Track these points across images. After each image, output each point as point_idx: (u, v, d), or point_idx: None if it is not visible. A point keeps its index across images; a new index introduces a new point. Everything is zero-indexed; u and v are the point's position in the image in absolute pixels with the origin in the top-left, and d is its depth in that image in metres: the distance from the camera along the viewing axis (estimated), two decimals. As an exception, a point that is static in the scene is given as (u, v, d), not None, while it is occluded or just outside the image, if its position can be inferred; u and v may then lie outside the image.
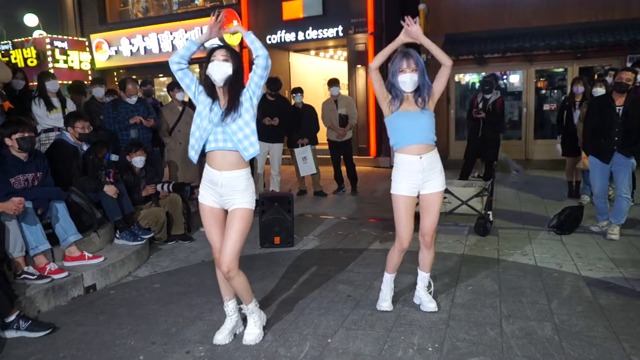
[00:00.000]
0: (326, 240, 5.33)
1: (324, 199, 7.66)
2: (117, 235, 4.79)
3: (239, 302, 3.10)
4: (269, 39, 12.63)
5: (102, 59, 15.25)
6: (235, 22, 2.89)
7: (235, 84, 2.88)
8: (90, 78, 14.41)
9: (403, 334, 3.07)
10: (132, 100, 6.02)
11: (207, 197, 2.97)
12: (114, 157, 5.65)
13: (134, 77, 11.29)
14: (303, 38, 12.24)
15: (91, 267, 4.09)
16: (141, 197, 5.20)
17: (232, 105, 2.84)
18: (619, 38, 9.59)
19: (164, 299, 3.79)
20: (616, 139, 4.81)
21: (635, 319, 3.17)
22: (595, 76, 10.00)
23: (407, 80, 3.12)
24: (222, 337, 3.03)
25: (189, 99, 7.13)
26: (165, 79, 15.12)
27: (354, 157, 8.02)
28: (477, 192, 5.19)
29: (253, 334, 3.02)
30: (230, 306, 3.09)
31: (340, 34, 11.80)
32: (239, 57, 2.96)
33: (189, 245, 5.26)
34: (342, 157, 7.91)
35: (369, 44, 11.49)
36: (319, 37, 12.05)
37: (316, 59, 14.58)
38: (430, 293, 3.47)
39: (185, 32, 13.67)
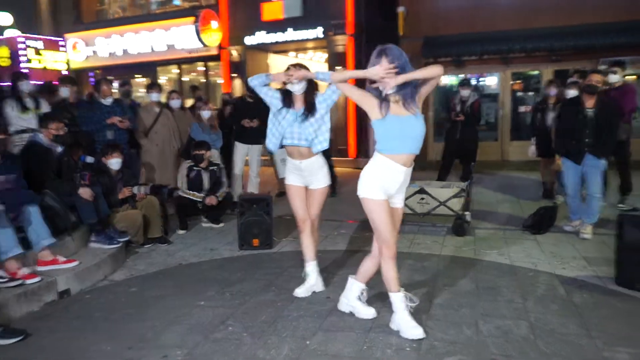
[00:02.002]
0: (305, 241, 5.31)
1: (304, 200, 7.64)
2: (93, 239, 4.70)
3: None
4: (248, 40, 12.58)
5: (79, 59, 14.99)
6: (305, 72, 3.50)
7: (309, 92, 3.63)
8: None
9: (381, 334, 3.08)
10: (108, 101, 5.94)
11: (294, 179, 3.78)
12: (90, 159, 5.56)
13: (109, 77, 11.15)
14: (283, 39, 12.22)
15: (65, 272, 4.01)
16: (117, 199, 5.12)
17: (309, 109, 3.62)
18: (591, 42, 9.82)
19: (141, 302, 3.74)
20: (587, 140, 4.91)
21: (607, 316, 3.24)
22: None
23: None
24: (302, 290, 3.72)
25: (166, 101, 7.08)
26: (143, 79, 14.95)
27: (333, 158, 8.03)
28: (455, 193, 5.25)
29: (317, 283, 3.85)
30: (311, 266, 3.78)
31: (320, 35, 11.82)
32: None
33: (166, 248, 5.20)
34: (321, 158, 7.89)
35: (349, 46, 11.53)
36: (299, 38, 12.04)
37: (296, 61, 14.56)
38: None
39: (164, 32, 13.53)
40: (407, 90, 2.92)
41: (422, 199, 5.35)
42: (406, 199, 5.37)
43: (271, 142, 3.75)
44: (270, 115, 3.76)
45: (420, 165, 10.83)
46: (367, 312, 3.32)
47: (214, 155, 6.48)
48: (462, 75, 11.42)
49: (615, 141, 5.11)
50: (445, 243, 5.07)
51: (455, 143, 7.51)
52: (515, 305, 3.45)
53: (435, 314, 3.36)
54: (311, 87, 3.65)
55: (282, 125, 3.65)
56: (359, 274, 3.33)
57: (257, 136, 7.21)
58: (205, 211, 5.96)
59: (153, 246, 5.24)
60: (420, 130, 2.95)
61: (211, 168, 5.94)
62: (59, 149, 4.84)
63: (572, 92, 6.22)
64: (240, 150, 7.20)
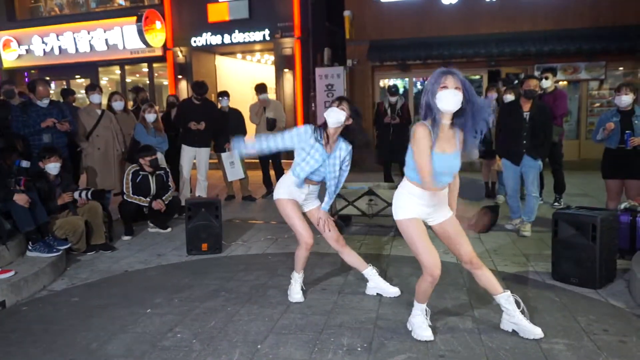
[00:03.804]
0: (255, 245, 5.28)
1: (253, 203, 7.60)
2: (30, 247, 4.47)
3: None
4: (194, 42, 12.38)
5: (11, 58, 14.21)
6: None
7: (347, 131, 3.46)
8: None
9: (333, 335, 3.10)
10: (44, 102, 5.66)
11: (288, 193, 3.57)
12: (25, 164, 5.28)
13: (46, 78, 10.63)
14: (229, 41, 12.10)
15: (0, 283, 3.79)
16: (57, 205, 4.89)
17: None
18: (527, 48, 10.35)
19: (84, 312, 3.58)
20: (524, 142, 5.16)
21: (544, 310, 3.42)
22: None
23: (449, 95, 2.62)
24: (299, 296, 3.67)
25: (108, 103, 6.83)
26: (82, 80, 14.37)
27: (282, 161, 8.02)
28: (402, 194, 5.37)
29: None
30: (295, 276, 3.73)
31: (267, 37, 11.79)
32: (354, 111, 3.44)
33: (111, 255, 5.02)
34: (270, 161, 7.88)
35: (296, 49, 11.57)
36: (246, 40, 11.97)
37: (243, 63, 14.45)
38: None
39: (104, 32, 13.05)
40: (463, 121, 2.72)
41: (371, 200, 5.45)
42: (355, 200, 5.46)
43: (299, 175, 3.50)
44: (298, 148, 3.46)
45: (369, 166, 11.05)
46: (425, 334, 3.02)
47: (160, 158, 6.32)
48: (407, 79, 11.72)
49: (550, 143, 5.40)
50: (394, 243, 5.18)
51: (388, 147, 7.72)
52: (461, 302, 3.58)
53: (385, 313, 3.42)
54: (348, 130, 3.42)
55: (312, 162, 3.42)
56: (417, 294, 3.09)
57: (205, 139, 7.12)
58: (151, 216, 5.79)
59: (96, 253, 5.04)
60: (457, 165, 2.84)
61: (158, 172, 5.78)
62: (-9, 153, 4.57)
63: (509, 97, 6.52)
64: (188, 154, 7.07)
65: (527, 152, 5.16)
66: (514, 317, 3.01)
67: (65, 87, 13.17)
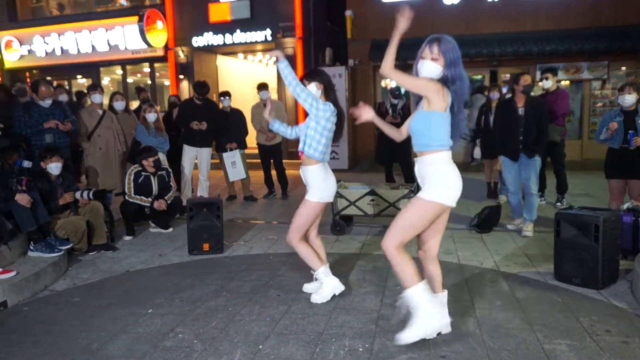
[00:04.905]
0: (256, 245, 5.28)
1: (254, 203, 7.59)
2: (31, 247, 4.47)
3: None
4: (195, 42, 12.37)
5: (13, 59, 14.22)
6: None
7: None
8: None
9: (334, 336, 3.09)
10: (47, 103, 5.66)
11: None
12: (27, 164, 5.28)
13: (48, 78, 10.65)
14: (231, 41, 12.09)
15: (1, 283, 3.79)
16: (58, 205, 4.90)
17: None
18: (529, 48, 10.32)
19: (85, 313, 3.58)
20: (521, 138, 5.15)
21: (547, 310, 3.41)
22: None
23: (421, 68, 2.86)
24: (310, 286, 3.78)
25: (109, 103, 6.84)
26: (83, 80, 14.39)
27: (283, 161, 8.02)
28: (404, 194, 5.37)
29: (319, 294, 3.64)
30: (320, 272, 3.67)
31: (269, 38, 11.79)
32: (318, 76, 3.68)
33: (112, 255, 5.02)
34: (271, 161, 7.88)
35: (298, 49, 11.56)
36: (247, 40, 11.96)
37: (244, 63, 14.45)
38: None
39: (106, 32, 13.06)
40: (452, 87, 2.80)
41: (373, 200, 5.44)
42: (357, 200, 5.46)
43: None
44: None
45: (371, 165, 11.04)
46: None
47: (162, 159, 6.32)
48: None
49: (546, 139, 5.37)
50: (395, 243, 5.16)
51: (389, 147, 7.69)
52: (462, 303, 3.56)
53: (386, 313, 3.41)
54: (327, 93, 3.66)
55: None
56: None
57: (206, 139, 7.12)
58: (153, 216, 5.79)
59: (98, 253, 5.04)
60: (414, 126, 2.92)
61: (160, 173, 5.78)
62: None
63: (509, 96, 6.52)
64: (189, 154, 7.07)
65: (524, 148, 5.15)
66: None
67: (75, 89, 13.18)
